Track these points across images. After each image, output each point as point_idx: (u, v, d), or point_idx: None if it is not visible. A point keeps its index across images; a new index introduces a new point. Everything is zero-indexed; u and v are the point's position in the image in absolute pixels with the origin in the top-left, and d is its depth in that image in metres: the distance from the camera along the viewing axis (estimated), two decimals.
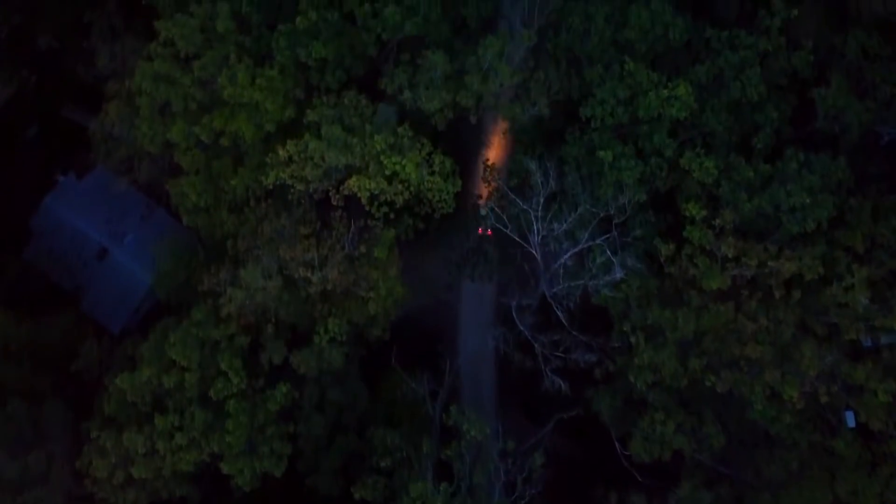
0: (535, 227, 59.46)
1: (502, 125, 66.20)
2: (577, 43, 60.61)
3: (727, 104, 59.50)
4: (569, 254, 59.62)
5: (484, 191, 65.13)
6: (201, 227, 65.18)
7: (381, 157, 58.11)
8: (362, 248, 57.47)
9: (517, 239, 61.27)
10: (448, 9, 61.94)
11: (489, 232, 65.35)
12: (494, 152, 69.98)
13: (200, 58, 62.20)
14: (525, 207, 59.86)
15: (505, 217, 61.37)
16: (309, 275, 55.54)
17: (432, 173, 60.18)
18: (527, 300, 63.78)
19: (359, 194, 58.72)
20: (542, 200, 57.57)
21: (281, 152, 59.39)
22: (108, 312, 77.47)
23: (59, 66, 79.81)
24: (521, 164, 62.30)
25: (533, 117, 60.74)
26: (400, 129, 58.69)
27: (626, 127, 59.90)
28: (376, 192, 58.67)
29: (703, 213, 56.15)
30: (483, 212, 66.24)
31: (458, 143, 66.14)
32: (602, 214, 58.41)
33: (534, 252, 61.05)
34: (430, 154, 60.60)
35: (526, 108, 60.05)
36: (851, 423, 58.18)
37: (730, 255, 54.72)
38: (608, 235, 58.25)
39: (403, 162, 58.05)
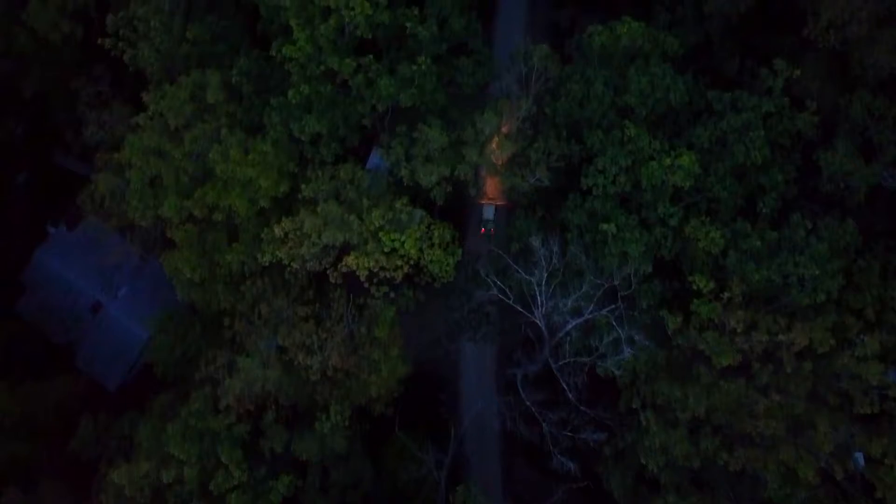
0: (538, 300, 58.16)
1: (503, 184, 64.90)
2: (576, 109, 59.21)
3: (731, 168, 58.24)
4: (574, 324, 58.39)
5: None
6: (197, 301, 63.61)
7: (380, 234, 56.66)
8: (362, 329, 56.04)
9: (520, 309, 59.96)
10: (443, 75, 60.54)
11: (492, 231, 64.35)
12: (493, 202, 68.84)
13: (191, 128, 60.77)
14: (528, 278, 58.61)
15: (507, 288, 60.04)
16: (309, 362, 54.06)
17: (431, 245, 58.71)
18: (531, 367, 62.54)
19: (357, 272, 57.24)
20: (545, 276, 56.14)
21: (276, 230, 57.88)
22: (104, 369, 76.41)
23: (47, 116, 78.68)
24: (523, 229, 61.13)
25: (533, 185, 59.39)
26: (398, 204, 57.19)
27: (628, 193, 58.60)
28: (375, 270, 57.20)
29: (711, 285, 54.83)
30: (486, 215, 65.90)
31: (456, 199, 64.85)
32: (607, 286, 57.14)
33: (538, 322, 59.78)
34: (429, 226, 59.14)
35: (526, 176, 58.63)
36: (861, 463, 56.85)
37: (739, 330, 53.40)
38: (614, 307, 56.98)
39: (402, 238, 56.60)
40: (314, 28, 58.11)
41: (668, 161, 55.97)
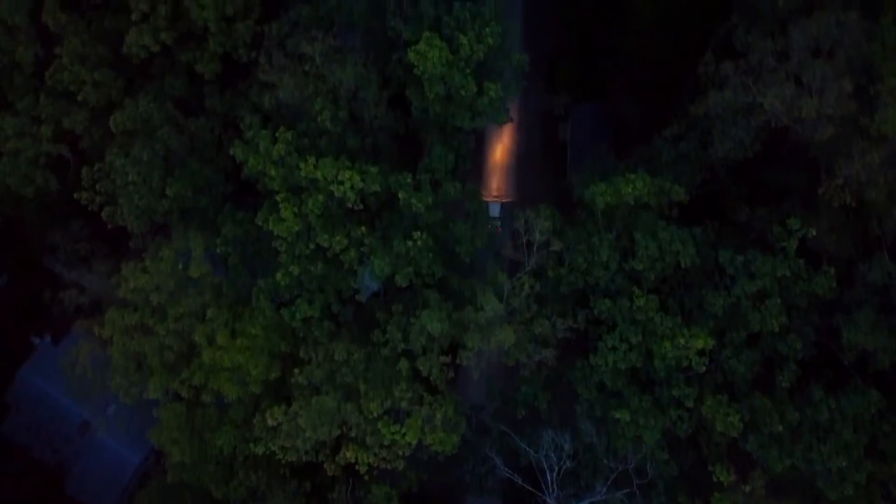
0: (549, 479, 55.25)
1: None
2: (580, 280, 56.10)
3: (747, 336, 55.24)
4: (587, 501, 55.59)
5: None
6: (189, 482, 60.35)
7: (379, 424, 53.46)
8: None
9: (529, 488, 56.98)
10: (438, 239, 57.24)
11: (499, 229, 62.50)
12: None
13: (174, 303, 57.58)
14: (537, 456, 55.71)
15: (516, 476, 57.04)
16: None
17: (434, 428, 55.40)
18: None
19: (357, 467, 54.06)
20: (556, 468, 53.16)
21: (269, 419, 54.62)
22: (95, 495, 74.21)
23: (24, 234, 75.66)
24: (529, 395, 58.31)
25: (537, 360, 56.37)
26: (396, 392, 53.89)
27: (639, 367, 55.63)
28: (375, 464, 54.03)
29: (732, 477, 51.90)
30: (493, 213, 64.73)
31: None
32: (620, 469, 54.25)
33: (548, 500, 56.87)
34: (430, 405, 55.85)
35: (531, 354, 55.51)
36: None
37: None
38: (629, 490, 54.13)
39: (403, 430, 53.39)
40: (301, 202, 54.75)
41: (682, 341, 52.93)
